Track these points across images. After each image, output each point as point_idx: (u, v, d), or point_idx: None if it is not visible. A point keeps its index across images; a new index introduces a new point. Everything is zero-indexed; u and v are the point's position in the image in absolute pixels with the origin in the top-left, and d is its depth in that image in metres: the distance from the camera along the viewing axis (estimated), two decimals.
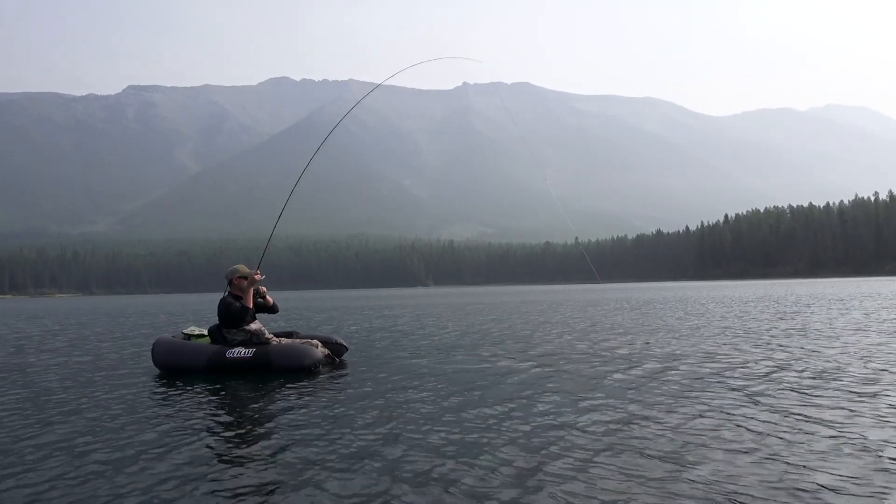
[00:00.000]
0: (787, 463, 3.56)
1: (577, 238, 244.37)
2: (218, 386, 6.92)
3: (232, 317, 7.91)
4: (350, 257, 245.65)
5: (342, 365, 8.33)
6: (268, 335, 8.12)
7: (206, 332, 8.33)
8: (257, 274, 8.12)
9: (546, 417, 4.89)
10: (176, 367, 7.89)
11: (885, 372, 6.56)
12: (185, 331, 8.51)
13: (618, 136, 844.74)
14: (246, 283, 8.16)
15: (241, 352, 7.62)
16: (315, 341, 8.25)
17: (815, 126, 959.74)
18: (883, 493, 3.04)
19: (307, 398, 6.00)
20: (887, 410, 4.82)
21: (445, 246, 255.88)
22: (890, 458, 3.58)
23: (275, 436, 4.57)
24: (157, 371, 8.09)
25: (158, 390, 6.75)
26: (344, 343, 8.78)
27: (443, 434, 4.46)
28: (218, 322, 8.09)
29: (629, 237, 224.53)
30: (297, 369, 7.60)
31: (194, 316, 26.07)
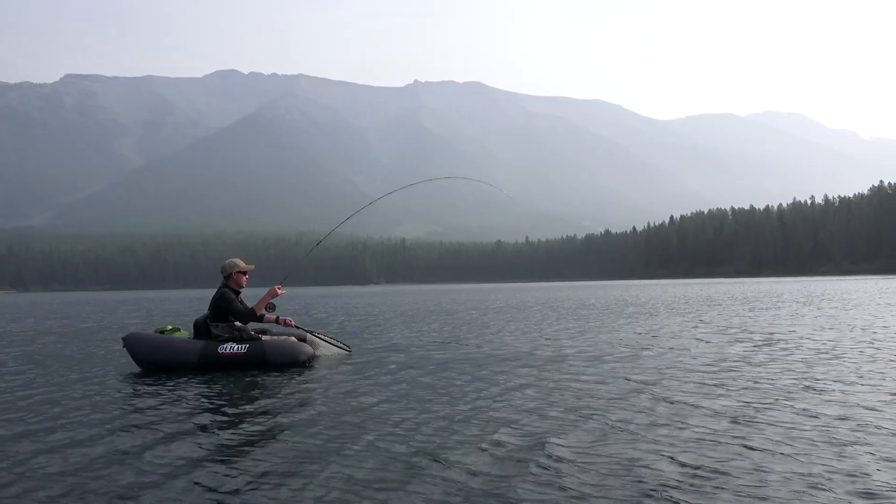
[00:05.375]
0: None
1: (527, 237, 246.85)
2: (217, 383, 6.53)
3: (235, 313, 7.65)
4: (299, 254, 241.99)
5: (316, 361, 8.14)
6: (252, 332, 7.84)
7: (180, 328, 7.92)
8: (280, 289, 8.16)
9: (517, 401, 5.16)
10: (163, 363, 7.38)
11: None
12: (159, 326, 8.04)
13: (567, 137, 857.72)
14: (244, 278, 8.07)
15: (234, 347, 7.30)
16: (292, 338, 8.01)
17: (755, 131, 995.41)
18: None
19: (322, 392, 5.80)
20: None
21: (397, 244, 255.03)
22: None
23: (289, 429, 4.48)
24: (138, 369, 7.53)
25: (150, 388, 6.27)
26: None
27: (437, 422, 4.56)
28: (207, 315, 7.70)
29: (578, 237, 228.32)
30: (292, 364, 7.38)
31: (140, 311, 25.14)
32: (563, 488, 3.14)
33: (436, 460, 3.62)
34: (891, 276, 79.15)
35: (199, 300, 43.12)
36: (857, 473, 3.23)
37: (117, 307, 33.38)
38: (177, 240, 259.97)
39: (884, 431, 4.05)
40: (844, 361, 7.04)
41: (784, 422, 4.36)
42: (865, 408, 4.73)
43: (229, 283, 7.89)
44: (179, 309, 29.11)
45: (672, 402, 5.08)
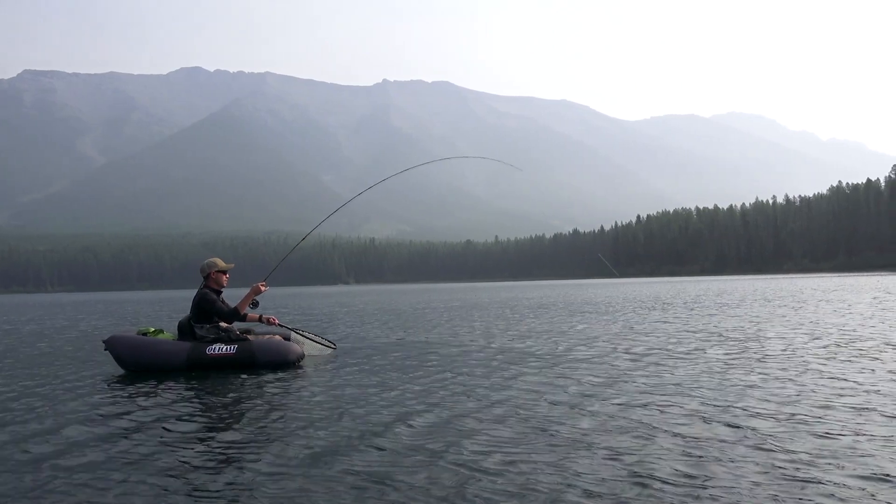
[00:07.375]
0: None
1: (496, 236, 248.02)
2: (208, 384, 6.52)
3: (218, 313, 7.62)
4: (268, 254, 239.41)
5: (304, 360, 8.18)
6: (238, 332, 7.86)
7: (163, 330, 7.94)
8: (264, 286, 8.07)
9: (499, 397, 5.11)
10: (149, 365, 7.29)
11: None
12: (141, 328, 8.03)
13: (535, 137, 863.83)
14: (225, 277, 8.06)
15: (222, 348, 7.29)
16: (278, 337, 8.06)
17: (718, 132, 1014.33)
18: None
19: (316, 391, 5.81)
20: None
21: (367, 243, 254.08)
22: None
23: (291, 431, 4.40)
24: (121, 371, 7.42)
25: (141, 391, 6.20)
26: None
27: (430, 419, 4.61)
28: (189, 316, 7.73)
29: (547, 236, 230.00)
30: (281, 364, 7.37)
31: (96, 313, 24.78)
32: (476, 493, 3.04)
33: (452, 460, 3.54)
34: (848, 274, 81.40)
35: (160, 302, 42.49)
36: (788, 470, 3.20)
37: (73, 310, 32.75)
38: (141, 240, 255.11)
39: (816, 431, 3.98)
40: (786, 358, 7.15)
41: (717, 419, 4.35)
42: (806, 405, 4.75)
43: (209, 284, 7.85)
44: (140, 310, 28.66)
45: (600, 399, 5.12)
